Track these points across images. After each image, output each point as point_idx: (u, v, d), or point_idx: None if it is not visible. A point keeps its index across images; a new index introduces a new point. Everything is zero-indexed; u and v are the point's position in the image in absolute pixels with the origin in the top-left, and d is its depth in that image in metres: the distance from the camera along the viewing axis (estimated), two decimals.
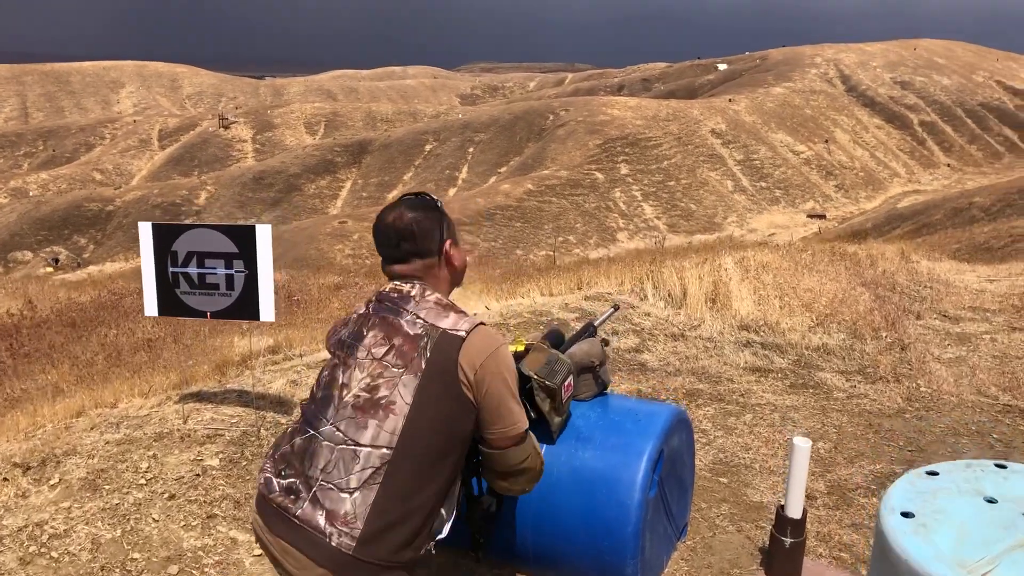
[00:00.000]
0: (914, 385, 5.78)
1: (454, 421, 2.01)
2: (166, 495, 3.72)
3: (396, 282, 2.15)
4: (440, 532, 2.11)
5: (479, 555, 2.63)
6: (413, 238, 2.14)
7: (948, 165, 79.36)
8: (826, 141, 77.38)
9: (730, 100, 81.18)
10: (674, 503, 3.61)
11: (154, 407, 4.60)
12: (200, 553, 3.38)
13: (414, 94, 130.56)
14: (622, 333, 6.32)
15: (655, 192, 63.51)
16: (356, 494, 1.90)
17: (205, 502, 3.67)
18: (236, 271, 3.98)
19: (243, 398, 4.67)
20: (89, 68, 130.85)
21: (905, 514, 1.75)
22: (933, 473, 1.88)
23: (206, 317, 4.06)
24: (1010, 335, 7.71)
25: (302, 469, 1.97)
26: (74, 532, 3.47)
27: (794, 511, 3.35)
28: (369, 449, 1.93)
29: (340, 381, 2.04)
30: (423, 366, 1.98)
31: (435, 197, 2.28)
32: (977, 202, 54.05)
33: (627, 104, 77.72)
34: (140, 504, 3.65)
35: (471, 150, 75.22)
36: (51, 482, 3.83)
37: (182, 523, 3.56)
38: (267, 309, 3.98)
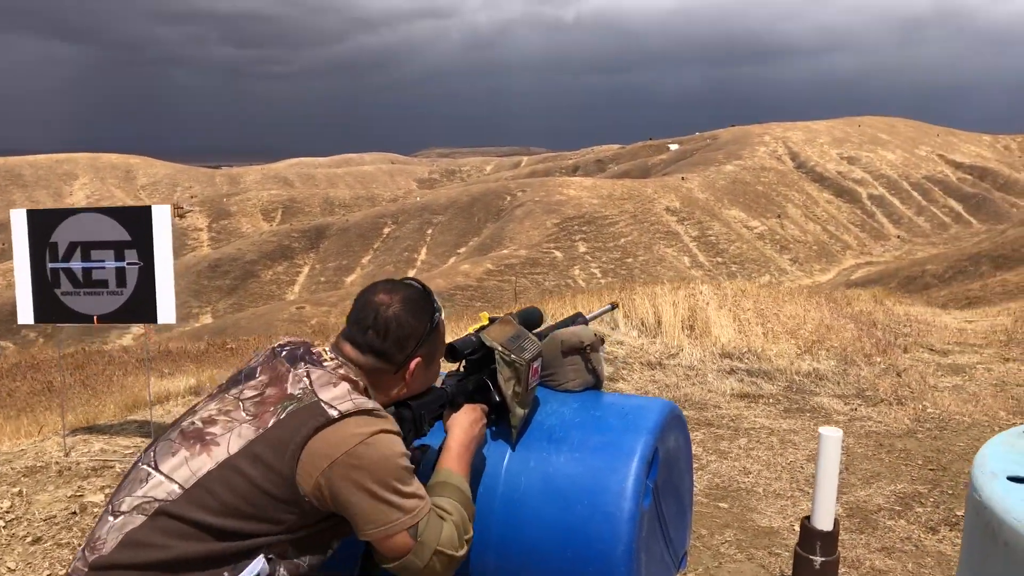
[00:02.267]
0: (920, 407, 5.19)
1: (265, 504, 1.64)
2: (29, 539, 2.94)
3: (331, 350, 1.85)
4: None
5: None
6: (384, 336, 1.84)
7: (898, 236, 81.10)
8: (779, 216, 78.78)
9: (683, 178, 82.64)
10: (671, 523, 2.91)
11: (35, 443, 3.80)
12: None
13: (372, 180, 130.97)
14: None
15: (613, 269, 63.70)
16: (120, 518, 1.60)
17: (79, 546, 2.89)
18: (128, 263, 3.28)
19: (143, 429, 3.89)
20: (42, 161, 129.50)
21: (1016, 479, 1.46)
22: None
23: (92, 323, 3.33)
24: (1004, 364, 7.26)
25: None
26: None
27: (824, 522, 2.66)
28: (161, 478, 1.64)
29: (196, 408, 1.79)
30: (268, 425, 1.66)
31: (438, 306, 1.94)
32: (930, 269, 54.97)
33: (583, 184, 78.73)
34: None
35: (430, 232, 75.17)
36: None
37: (46, 572, 2.76)
38: (166, 309, 3.27)
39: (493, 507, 2.57)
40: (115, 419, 4.23)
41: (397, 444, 1.75)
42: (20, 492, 3.23)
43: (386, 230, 77.63)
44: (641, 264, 64.79)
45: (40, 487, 3.28)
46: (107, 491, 3.25)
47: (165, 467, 1.65)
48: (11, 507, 3.12)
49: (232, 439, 1.66)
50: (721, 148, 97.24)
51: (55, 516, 3.09)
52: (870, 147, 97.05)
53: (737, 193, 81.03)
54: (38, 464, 3.45)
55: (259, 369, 1.83)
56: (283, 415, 1.67)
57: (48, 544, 2.94)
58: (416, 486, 1.79)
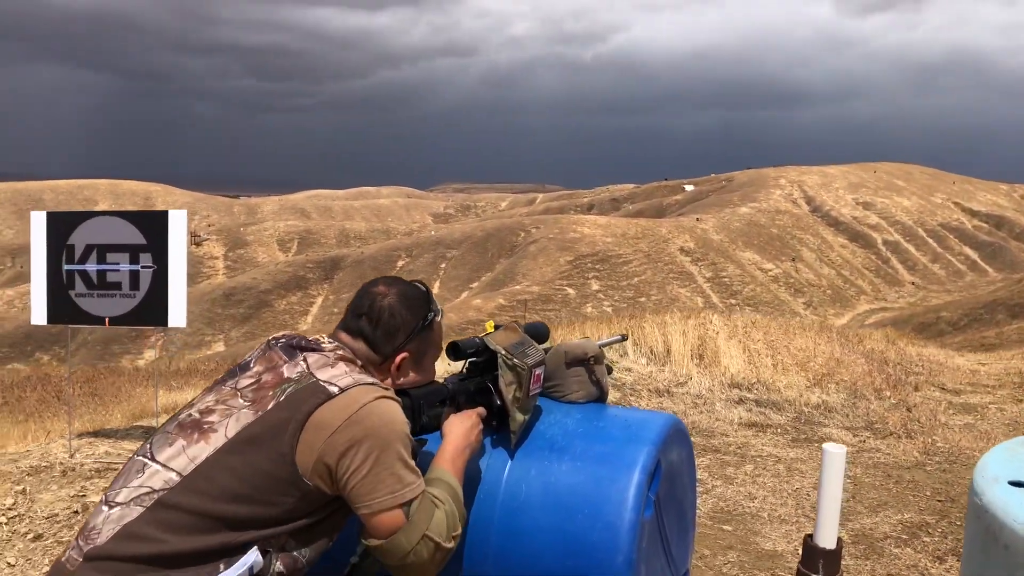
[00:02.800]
0: (929, 441, 5.14)
1: (265, 486, 1.63)
2: (30, 536, 2.94)
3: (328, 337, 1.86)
4: None
5: None
6: (376, 324, 1.86)
7: (913, 283, 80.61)
8: (793, 259, 78.58)
9: (698, 219, 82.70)
10: (673, 540, 2.88)
11: (41, 445, 3.82)
12: None
13: (388, 213, 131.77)
14: None
15: (626, 307, 63.51)
16: (115, 509, 1.58)
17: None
18: (143, 266, 3.32)
19: (149, 434, 3.90)
20: (63, 186, 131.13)
21: (1017, 483, 1.48)
22: None
23: (104, 324, 3.36)
24: (1018, 405, 7.18)
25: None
26: None
27: (827, 539, 2.63)
28: (158, 468, 1.62)
29: (193, 402, 1.77)
30: (268, 408, 1.66)
31: (436, 308, 1.97)
32: (945, 316, 54.59)
33: (597, 222, 78.88)
34: None
35: (443, 266, 75.33)
36: None
37: (46, 568, 2.76)
38: (177, 313, 3.30)
39: (493, 515, 2.56)
40: (122, 425, 4.25)
41: (399, 411, 1.75)
42: (24, 490, 3.25)
43: (400, 263, 77.86)
44: (654, 303, 64.60)
45: (44, 486, 3.30)
46: None
47: (162, 457, 1.65)
48: (14, 504, 3.13)
49: (230, 424, 1.66)
50: (736, 190, 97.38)
51: (57, 515, 3.10)
52: (886, 193, 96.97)
53: (752, 235, 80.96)
54: (43, 464, 3.47)
55: (254, 361, 1.83)
56: (283, 397, 1.67)
57: (49, 541, 2.94)
58: (414, 464, 1.79)
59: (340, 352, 1.80)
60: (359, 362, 1.82)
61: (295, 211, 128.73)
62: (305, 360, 1.75)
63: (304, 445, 1.62)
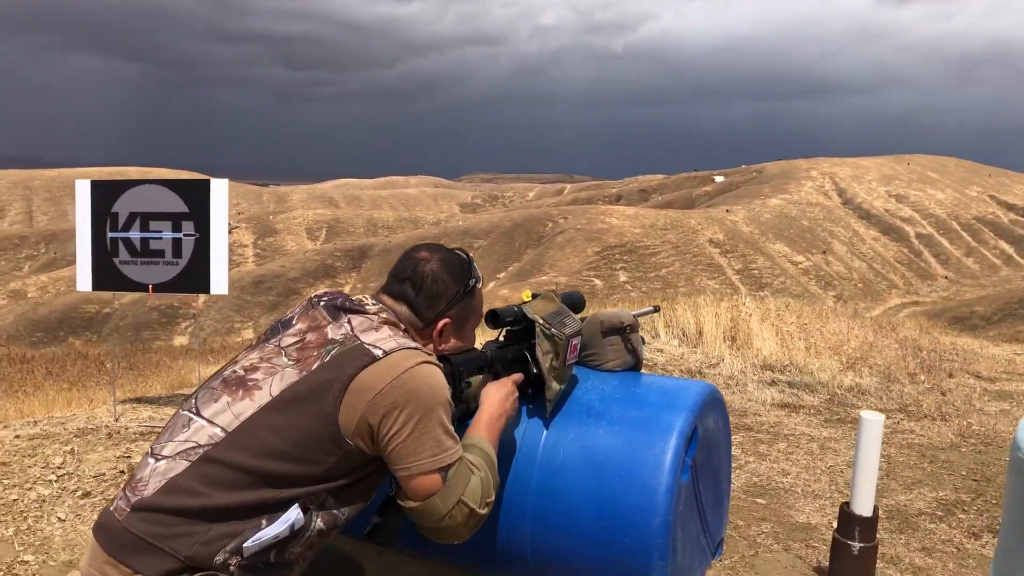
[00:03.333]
0: (965, 423, 5.10)
1: (308, 444, 1.66)
2: (79, 493, 3.02)
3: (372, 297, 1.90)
4: (258, 548, 1.63)
5: (377, 540, 1.94)
6: (420, 289, 1.89)
7: (946, 277, 79.51)
8: (824, 252, 77.79)
9: (727, 211, 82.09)
10: (709, 507, 2.90)
11: (86, 410, 3.91)
12: None
13: (415, 202, 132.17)
14: None
15: (655, 300, 63.27)
16: (162, 462, 1.63)
17: None
18: (185, 234, 3.38)
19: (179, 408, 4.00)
20: (95, 174, 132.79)
21: None
22: None
23: (147, 291, 3.43)
24: None
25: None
26: None
27: (863, 507, 2.64)
28: (204, 423, 1.66)
29: (236, 359, 1.82)
30: (312, 368, 1.69)
31: (477, 275, 2.01)
32: (978, 311, 53.83)
33: (625, 213, 78.56)
34: (44, 501, 2.95)
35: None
36: None
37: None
38: (219, 280, 3.36)
39: (531, 476, 2.60)
40: (162, 393, 4.34)
41: (441, 376, 1.78)
42: (72, 451, 3.33)
43: None
44: (682, 296, 64.31)
45: (90, 447, 3.38)
46: None
47: (207, 412, 1.69)
48: (63, 463, 3.21)
49: (275, 382, 1.69)
50: (767, 182, 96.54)
51: (104, 474, 3.18)
52: (919, 186, 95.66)
53: (782, 227, 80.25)
54: (89, 427, 3.55)
55: (296, 318, 1.86)
56: (327, 358, 1.69)
57: (97, 499, 3.02)
58: (453, 430, 1.81)
59: (384, 315, 1.83)
60: (402, 326, 1.85)
61: (323, 200, 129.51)
62: (350, 322, 1.78)
63: (347, 406, 1.65)
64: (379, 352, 1.71)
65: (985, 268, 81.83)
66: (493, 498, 1.89)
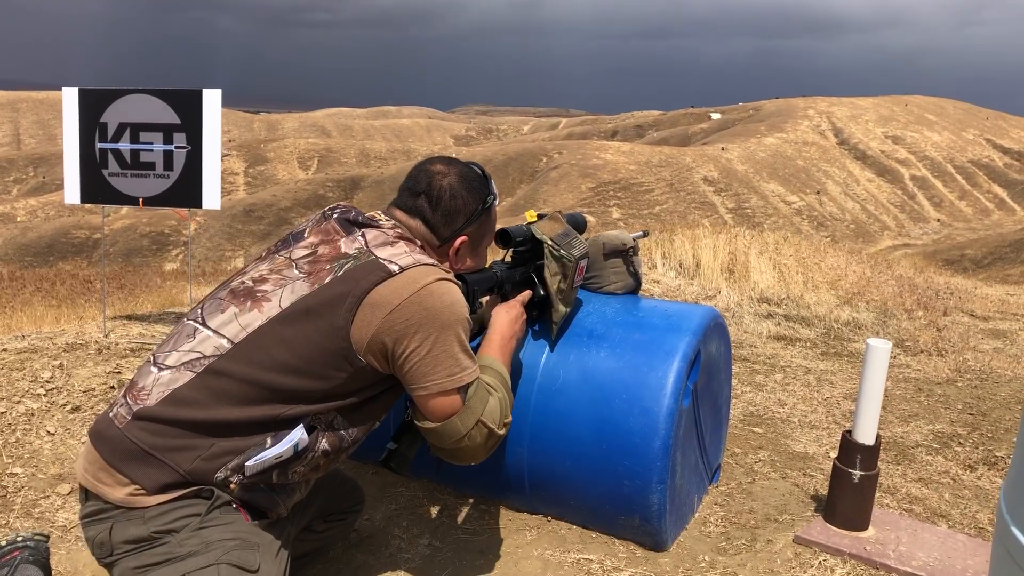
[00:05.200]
0: (961, 359, 5.09)
1: (317, 359, 1.59)
2: (68, 407, 2.98)
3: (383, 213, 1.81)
4: (261, 468, 1.58)
5: (392, 466, 1.89)
6: (436, 204, 1.79)
7: (938, 220, 79.62)
8: (818, 192, 77.64)
9: (723, 149, 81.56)
10: (708, 432, 2.88)
11: (75, 325, 3.84)
12: None
13: (408, 133, 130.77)
14: None
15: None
16: (165, 372, 1.57)
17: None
18: (176, 147, 3.27)
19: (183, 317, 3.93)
20: None
21: None
22: None
23: (138, 204, 3.33)
24: None
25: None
26: None
27: (866, 435, 2.61)
28: (210, 333, 1.60)
29: (245, 269, 1.75)
30: (325, 281, 1.62)
31: (494, 191, 1.89)
32: (969, 254, 54.07)
33: (620, 149, 77.97)
34: (33, 415, 2.90)
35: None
36: None
37: (83, 438, 2.79)
38: (212, 194, 3.26)
39: (530, 398, 2.56)
40: (153, 311, 4.28)
41: (460, 294, 1.70)
42: (61, 365, 3.27)
43: None
44: (680, 228, 64.23)
45: (80, 363, 3.32)
46: None
47: (213, 323, 1.62)
48: (51, 378, 3.16)
49: (284, 294, 1.62)
50: (764, 120, 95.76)
51: (94, 388, 3.13)
52: (916, 127, 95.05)
53: (777, 166, 79.88)
54: (78, 342, 3.50)
55: (308, 231, 1.78)
56: (340, 272, 1.62)
57: (87, 414, 2.98)
58: (471, 349, 1.75)
59: (399, 230, 1.75)
60: (418, 242, 1.77)
61: (316, 129, 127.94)
62: (364, 236, 1.70)
63: (360, 321, 1.58)
64: (395, 268, 1.63)
65: (978, 212, 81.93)
66: (510, 419, 1.84)
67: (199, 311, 1.69)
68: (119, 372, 3.25)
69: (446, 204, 1.79)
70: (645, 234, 3.27)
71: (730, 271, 6.10)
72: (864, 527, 2.62)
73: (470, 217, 1.82)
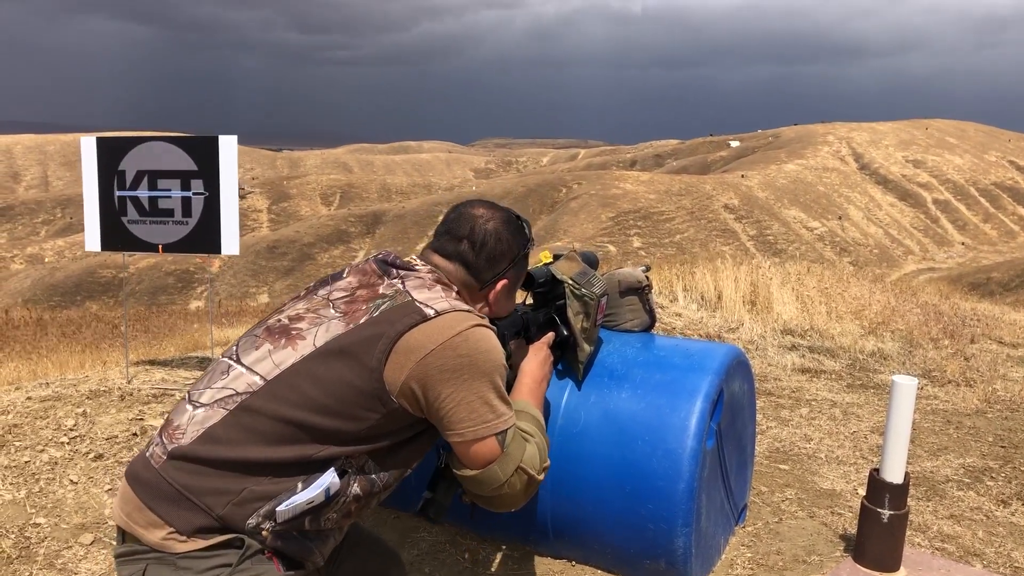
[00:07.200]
0: (990, 389, 5.00)
1: (350, 398, 1.56)
2: (91, 455, 2.98)
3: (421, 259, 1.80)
4: (292, 514, 1.54)
5: (430, 516, 1.86)
6: (480, 248, 1.78)
7: (963, 243, 78.78)
8: (839, 218, 77.16)
9: (743, 176, 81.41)
10: (733, 472, 2.83)
11: (99, 371, 3.86)
12: None
13: (429, 168, 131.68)
14: None
15: (671, 266, 62.97)
16: (200, 410, 1.56)
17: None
18: (194, 193, 3.30)
19: (204, 364, 3.93)
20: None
21: None
22: None
23: (157, 251, 3.36)
24: None
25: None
26: None
27: (894, 474, 2.56)
28: (243, 370, 1.59)
29: (282, 308, 1.73)
30: (360, 321, 1.60)
31: (531, 236, 1.89)
32: (995, 277, 53.36)
33: (640, 178, 78.03)
34: (56, 463, 2.90)
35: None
36: None
37: (107, 487, 2.81)
38: (230, 240, 3.29)
39: (551, 441, 2.53)
40: (176, 355, 4.29)
41: (496, 341, 1.69)
42: (84, 412, 3.29)
43: (441, 218, 77.94)
44: (701, 260, 63.93)
45: (103, 409, 3.33)
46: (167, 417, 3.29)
47: (247, 359, 1.61)
48: (75, 425, 3.17)
49: (319, 333, 1.61)
50: (783, 147, 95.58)
51: (116, 436, 3.14)
52: (937, 151, 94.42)
53: (798, 193, 79.54)
54: (102, 389, 3.51)
55: (348, 271, 1.78)
56: (376, 313, 1.61)
57: (109, 461, 2.98)
58: (507, 395, 1.73)
59: (436, 275, 1.73)
60: (455, 287, 1.76)
61: (337, 165, 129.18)
62: (401, 279, 1.69)
63: (394, 363, 1.56)
64: (431, 312, 1.61)
65: (1003, 234, 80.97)
66: (549, 463, 1.82)
67: (234, 348, 1.69)
68: (141, 419, 3.26)
69: (491, 247, 1.78)
70: (647, 268, 3.27)
71: (752, 302, 6.05)
72: (895, 568, 2.56)
73: (512, 261, 1.82)
